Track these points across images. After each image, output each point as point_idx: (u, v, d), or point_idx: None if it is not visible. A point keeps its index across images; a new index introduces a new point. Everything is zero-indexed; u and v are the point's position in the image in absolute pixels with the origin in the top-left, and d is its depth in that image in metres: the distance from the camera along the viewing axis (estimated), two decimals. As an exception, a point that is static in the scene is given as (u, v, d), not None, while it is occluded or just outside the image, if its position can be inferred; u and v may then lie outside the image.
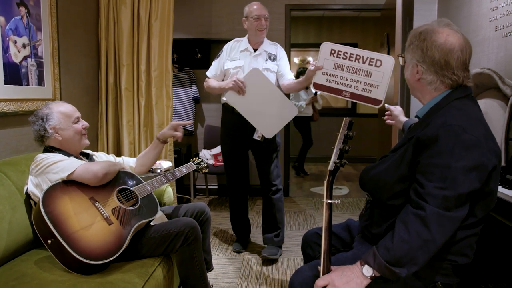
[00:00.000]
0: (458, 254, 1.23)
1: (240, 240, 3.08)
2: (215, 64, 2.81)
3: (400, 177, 1.24)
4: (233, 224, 3.05)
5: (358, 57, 2.08)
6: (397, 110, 1.86)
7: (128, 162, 2.19)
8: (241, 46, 2.75)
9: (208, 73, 2.83)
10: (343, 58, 2.10)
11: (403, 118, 1.78)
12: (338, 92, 2.10)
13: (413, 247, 1.13)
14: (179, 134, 2.18)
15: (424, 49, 1.25)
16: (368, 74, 2.07)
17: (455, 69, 1.23)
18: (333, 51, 2.12)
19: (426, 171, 1.16)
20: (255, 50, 2.73)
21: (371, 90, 2.04)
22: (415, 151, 1.20)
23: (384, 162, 1.35)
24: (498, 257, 1.69)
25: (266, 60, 2.73)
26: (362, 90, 2.09)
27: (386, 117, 1.91)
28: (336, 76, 2.10)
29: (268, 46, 2.78)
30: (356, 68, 2.07)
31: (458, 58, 1.22)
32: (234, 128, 2.75)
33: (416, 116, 1.38)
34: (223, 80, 2.75)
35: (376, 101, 1.99)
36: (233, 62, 2.73)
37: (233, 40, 2.83)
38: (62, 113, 1.85)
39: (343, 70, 2.09)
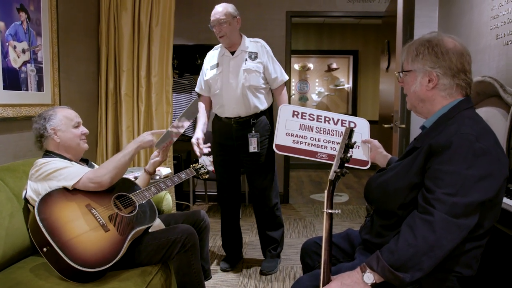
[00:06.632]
0: (463, 266, 1.21)
1: (229, 258, 2.86)
2: (199, 78, 2.73)
3: (411, 185, 1.23)
4: (223, 237, 2.87)
5: (327, 119, 1.96)
6: (376, 142, 1.82)
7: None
8: (220, 52, 2.63)
9: (196, 88, 2.77)
10: (309, 119, 1.96)
11: (385, 153, 1.74)
12: (311, 154, 1.90)
13: (419, 251, 1.11)
14: (162, 156, 2.15)
15: (438, 54, 1.24)
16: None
17: (467, 72, 1.25)
18: (295, 113, 1.99)
19: (435, 176, 1.14)
20: (233, 53, 2.58)
21: (352, 151, 1.81)
22: (427, 158, 1.19)
23: (392, 170, 1.34)
24: (501, 269, 1.67)
25: (246, 59, 2.56)
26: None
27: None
28: (305, 137, 1.93)
29: (248, 44, 2.61)
30: (329, 129, 1.94)
31: (468, 62, 1.25)
32: (220, 136, 2.61)
33: (422, 127, 1.36)
34: (210, 92, 2.67)
35: (362, 162, 1.82)
36: (212, 71, 2.61)
37: (213, 48, 2.72)
38: (64, 116, 1.88)
39: (312, 131, 1.94)
